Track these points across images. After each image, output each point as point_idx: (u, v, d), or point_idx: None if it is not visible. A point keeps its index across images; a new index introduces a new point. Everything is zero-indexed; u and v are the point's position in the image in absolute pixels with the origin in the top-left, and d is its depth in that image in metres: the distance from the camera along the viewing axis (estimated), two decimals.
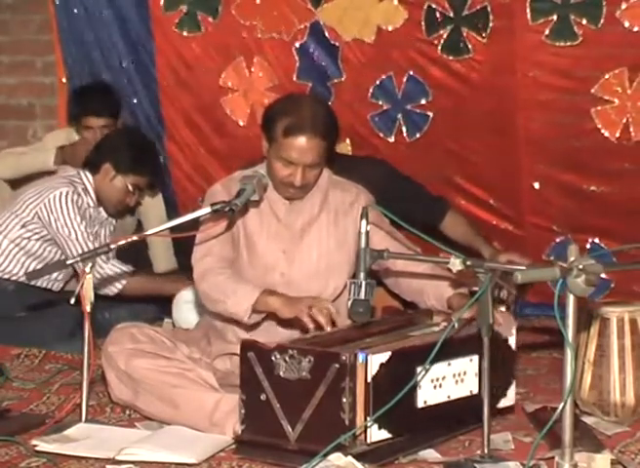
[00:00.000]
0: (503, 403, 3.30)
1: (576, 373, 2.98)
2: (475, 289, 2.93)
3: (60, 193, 4.38)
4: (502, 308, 3.27)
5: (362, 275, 3.05)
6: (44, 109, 5.96)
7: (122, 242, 3.39)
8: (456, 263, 2.89)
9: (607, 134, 4.47)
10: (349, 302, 3.08)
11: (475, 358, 3.15)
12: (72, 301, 3.26)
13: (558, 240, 4.72)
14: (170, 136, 5.33)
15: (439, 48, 4.65)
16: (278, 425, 2.93)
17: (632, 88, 4.40)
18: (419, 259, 3.44)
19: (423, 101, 4.77)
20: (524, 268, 2.86)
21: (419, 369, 2.96)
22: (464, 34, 4.58)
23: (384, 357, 2.91)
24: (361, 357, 2.87)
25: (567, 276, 2.50)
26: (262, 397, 2.96)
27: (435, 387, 3.06)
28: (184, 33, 5.15)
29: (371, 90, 4.83)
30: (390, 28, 4.72)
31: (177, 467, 2.97)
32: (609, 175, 4.56)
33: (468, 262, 2.89)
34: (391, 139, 4.86)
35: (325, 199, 3.47)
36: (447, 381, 3.10)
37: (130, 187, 4.50)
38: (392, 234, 3.45)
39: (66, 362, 4.08)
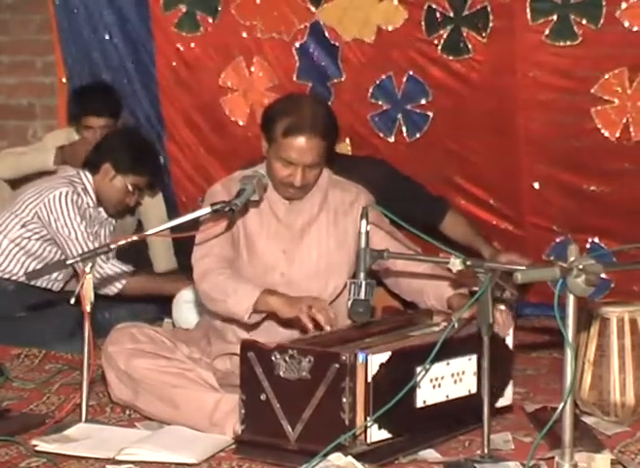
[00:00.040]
0: (501, 402, 3.30)
1: (576, 373, 2.98)
2: (475, 289, 2.93)
3: (60, 193, 4.38)
4: (502, 307, 3.26)
5: (362, 275, 3.05)
6: (44, 109, 5.97)
7: (122, 242, 3.39)
8: (456, 263, 2.89)
9: (607, 134, 4.47)
10: (349, 302, 3.08)
11: (474, 357, 3.15)
12: (72, 301, 3.26)
13: (558, 240, 4.72)
14: (170, 135, 5.33)
15: (439, 48, 4.64)
16: (278, 425, 2.93)
17: (632, 88, 4.40)
18: (419, 259, 3.44)
19: (423, 101, 4.77)
20: (524, 268, 2.86)
21: (418, 369, 2.96)
22: (464, 34, 4.58)
23: (384, 357, 2.91)
24: (361, 357, 2.87)
25: (567, 276, 2.50)
26: (262, 397, 2.96)
27: (434, 387, 3.06)
28: (184, 33, 5.15)
29: (371, 90, 4.83)
30: (390, 28, 4.72)
31: (177, 467, 2.97)
32: (609, 175, 4.56)
33: (468, 262, 2.89)
34: (391, 139, 4.86)
35: (325, 199, 3.47)
36: (446, 381, 3.10)
37: (130, 187, 4.50)
38: (392, 234, 3.45)
39: (66, 362, 4.08)
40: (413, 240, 3.48)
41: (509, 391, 3.34)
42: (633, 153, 4.46)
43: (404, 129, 4.82)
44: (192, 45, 5.14)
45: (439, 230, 4.29)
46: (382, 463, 2.91)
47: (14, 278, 4.44)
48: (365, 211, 3.06)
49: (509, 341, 3.30)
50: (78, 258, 3.33)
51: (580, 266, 2.49)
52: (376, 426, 2.88)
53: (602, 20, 4.35)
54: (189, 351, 3.46)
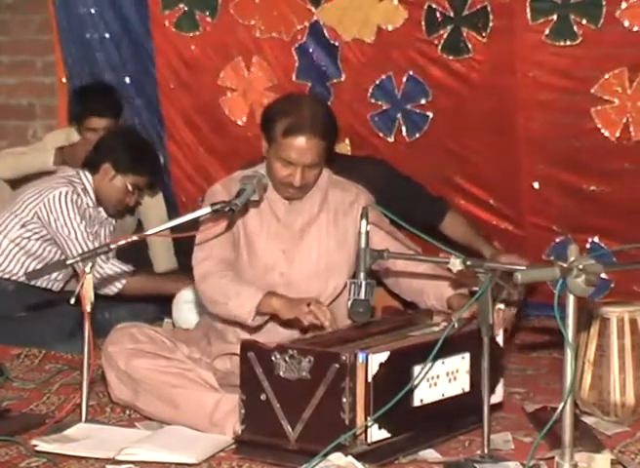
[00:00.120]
0: (492, 399, 3.28)
1: (576, 373, 2.98)
2: (475, 289, 2.93)
3: (60, 193, 4.38)
4: (501, 306, 3.26)
5: (362, 275, 3.05)
6: (44, 109, 5.97)
7: (122, 242, 3.39)
8: (456, 263, 2.89)
9: (607, 133, 4.47)
10: (349, 302, 3.08)
11: (467, 355, 3.16)
12: (72, 301, 3.26)
13: (558, 240, 4.72)
14: (170, 135, 5.33)
15: (439, 48, 4.64)
16: (278, 425, 2.93)
17: (632, 88, 4.39)
18: (419, 259, 3.44)
19: (423, 101, 4.77)
20: (524, 268, 2.86)
21: (416, 368, 2.96)
22: (464, 34, 4.58)
23: (384, 357, 2.91)
24: (361, 357, 2.87)
25: (567, 276, 2.50)
26: (262, 397, 2.96)
27: (430, 386, 3.06)
28: (183, 33, 5.15)
29: (370, 90, 4.83)
30: (390, 28, 4.72)
31: (177, 467, 2.97)
32: (609, 175, 4.56)
33: (468, 262, 2.89)
34: (391, 139, 4.86)
35: (325, 199, 3.47)
36: (441, 380, 3.10)
37: (129, 187, 4.50)
38: (392, 234, 3.45)
39: (66, 362, 4.08)
40: (413, 240, 3.48)
41: (500, 389, 3.34)
42: (633, 153, 4.46)
43: (404, 129, 4.82)
44: (192, 45, 5.15)
45: (439, 230, 4.29)
46: (383, 463, 2.91)
47: (14, 278, 4.44)
48: (365, 211, 3.06)
49: (499, 339, 3.30)
50: (78, 258, 3.33)
51: (580, 266, 2.49)
52: (376, 426, 2.88)
53: (602, 20, 4.35)
54: (189, 351, 3.45)
